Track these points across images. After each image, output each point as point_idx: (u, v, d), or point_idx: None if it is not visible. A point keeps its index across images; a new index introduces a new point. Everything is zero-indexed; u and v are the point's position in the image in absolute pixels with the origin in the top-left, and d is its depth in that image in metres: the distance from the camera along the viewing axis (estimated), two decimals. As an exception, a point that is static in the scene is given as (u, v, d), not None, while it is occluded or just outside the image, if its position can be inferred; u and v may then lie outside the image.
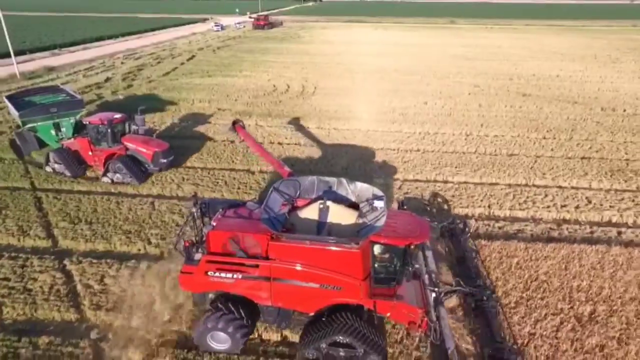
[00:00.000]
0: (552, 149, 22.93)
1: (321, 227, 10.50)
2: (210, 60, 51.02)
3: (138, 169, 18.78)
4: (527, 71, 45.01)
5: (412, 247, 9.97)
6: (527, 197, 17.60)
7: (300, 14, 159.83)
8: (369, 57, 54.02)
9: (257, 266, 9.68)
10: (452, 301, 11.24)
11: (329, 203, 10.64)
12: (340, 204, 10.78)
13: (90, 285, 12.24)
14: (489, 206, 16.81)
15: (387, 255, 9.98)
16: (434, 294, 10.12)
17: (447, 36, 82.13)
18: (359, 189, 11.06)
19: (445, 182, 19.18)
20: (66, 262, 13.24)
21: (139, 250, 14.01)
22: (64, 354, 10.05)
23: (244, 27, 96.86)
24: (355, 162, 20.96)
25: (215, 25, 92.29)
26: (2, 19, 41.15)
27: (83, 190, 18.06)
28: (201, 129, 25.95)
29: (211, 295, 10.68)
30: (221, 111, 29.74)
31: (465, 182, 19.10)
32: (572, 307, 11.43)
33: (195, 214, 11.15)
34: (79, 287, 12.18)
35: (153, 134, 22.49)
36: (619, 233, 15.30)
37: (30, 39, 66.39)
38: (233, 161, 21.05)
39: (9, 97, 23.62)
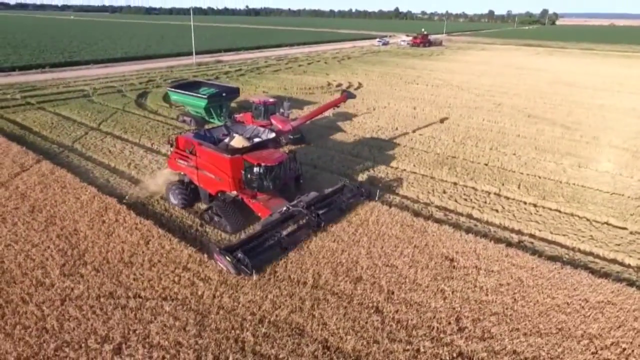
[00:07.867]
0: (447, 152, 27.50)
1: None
2: (321, 66, 64.76)
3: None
4: (600, 101, 42.59)
5: (260, 166, 15.78)
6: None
7: (501, 36, 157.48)
8: (455, 75, 58.32)
9: (191, 159, 17.28)
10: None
11: (235, 135, 18.20)
12: (244, 137, 17.95)
13: (97, 144, 27.60)
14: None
15: (258, 172, 16.01)
16: (285, 207, 15.94)
17: (606, 64, 73.70)
18: (270, 135, 18.40)
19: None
20: (95, 133, 29.16)
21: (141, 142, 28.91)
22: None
23: (407, 44, 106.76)
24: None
25: (378, 41, 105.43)
26: (192, 28, 64.69)
27: (138, 114, 34.28)
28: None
29: (187, 180, 18.12)
30: (265, 93, 42.93)
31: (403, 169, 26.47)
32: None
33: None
34: (94, 142, 27.63)
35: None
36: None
37: (235, 43, 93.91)
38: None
39: (172, 87, 33.78)
